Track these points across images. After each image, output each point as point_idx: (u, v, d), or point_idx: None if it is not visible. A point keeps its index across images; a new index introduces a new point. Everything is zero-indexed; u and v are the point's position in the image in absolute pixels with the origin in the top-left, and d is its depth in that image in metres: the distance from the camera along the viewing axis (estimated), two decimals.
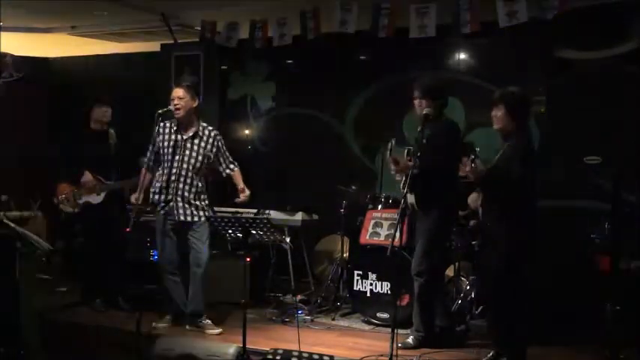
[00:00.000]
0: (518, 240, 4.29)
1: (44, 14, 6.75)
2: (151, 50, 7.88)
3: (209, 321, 5.29)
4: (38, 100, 8.70)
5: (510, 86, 4.45)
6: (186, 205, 5.17)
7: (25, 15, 6.72)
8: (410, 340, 4.88)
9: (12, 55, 8.34)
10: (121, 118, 6.05)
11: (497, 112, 4.33)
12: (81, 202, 5.83)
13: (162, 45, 7.66)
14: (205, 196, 5.31)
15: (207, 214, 5.24)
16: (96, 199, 5.80)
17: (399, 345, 4.69)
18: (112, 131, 5.91)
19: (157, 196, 5.22)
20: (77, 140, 5.92)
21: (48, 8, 6.45)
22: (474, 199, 4.66)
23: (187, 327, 5.28)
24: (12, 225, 4.63)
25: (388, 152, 4.78)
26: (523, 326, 4.43)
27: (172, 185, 5.16)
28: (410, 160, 4.83)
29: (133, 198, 5.25)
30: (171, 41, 7.20)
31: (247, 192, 5.30)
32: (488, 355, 4.54)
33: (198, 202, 5.21)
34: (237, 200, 5.35)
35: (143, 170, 5.32)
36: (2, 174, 7.40)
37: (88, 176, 5.77)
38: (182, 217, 5.18)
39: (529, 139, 4.43)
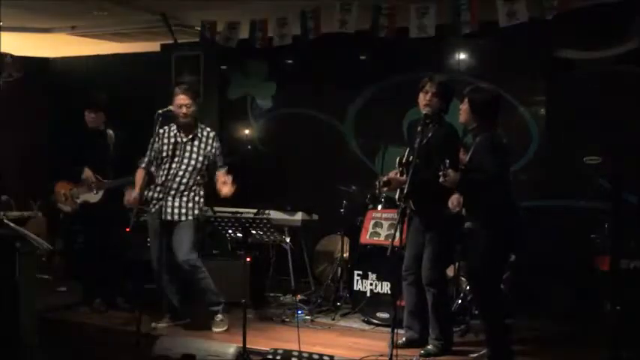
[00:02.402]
0: (494, 238, 4.32)
1: (44, 14, 6.73)
2: (151, 50, 7.89)
3: (220, 316, 5.27)
4: (38, 100, 8.69)
5: (484, 85, 4.67)
6: (176, 205, 5.20)
7: (25, 15, 6.71)
8: (430, 347, 4.76)
9: (12, 55, 8.34)
10: (120, 118, 6.05)
11: (463, 106, 4.53)
12: (79, 201, 5.83)
13: (162, 45, 7.66)
14: (200, 199, 5.29)
15: (197, 215, 5.25)
16: (94, 198, 5.79)
17: (421, 352, 4.70)
18: (110, 132, 5.90)
19: (150, 193, 5.26)
20: (75, 139, 5.93)
21: (48, 8, 6.44)
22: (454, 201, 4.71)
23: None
24: (12, 225, 4.63)
25: (380, 167, 4.72)
26: (500, 325, 4.44)
27: (167, 184, 5.21)
28: (400, 175, 4.84)
29: (127, 196, 5.24)
30: (171, 41, 7.19)
31: (228, 186, 5.06)
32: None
33: (189, 203, 5.22)
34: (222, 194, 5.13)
35: (140, 170, 5.33)
36: (2, 174, 7.39)
37: (88, 172, 5.78)
38: (169, 217, 5.21)
39: (495, 137, 4.41)
